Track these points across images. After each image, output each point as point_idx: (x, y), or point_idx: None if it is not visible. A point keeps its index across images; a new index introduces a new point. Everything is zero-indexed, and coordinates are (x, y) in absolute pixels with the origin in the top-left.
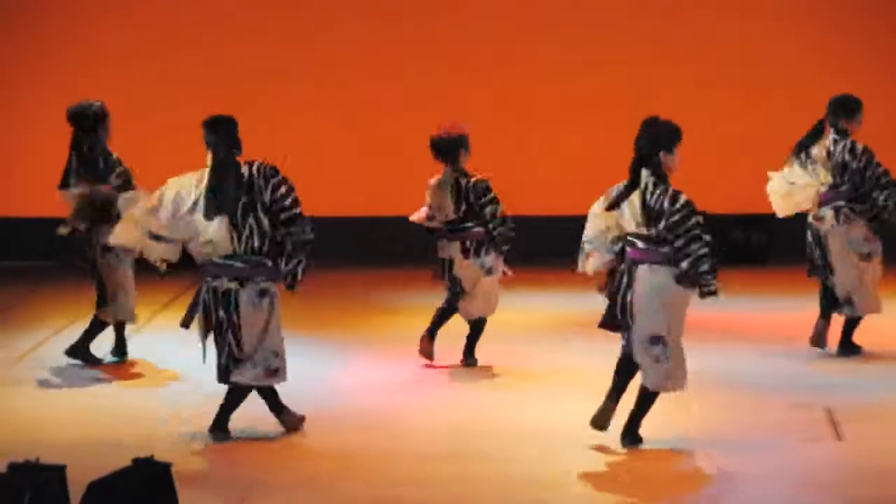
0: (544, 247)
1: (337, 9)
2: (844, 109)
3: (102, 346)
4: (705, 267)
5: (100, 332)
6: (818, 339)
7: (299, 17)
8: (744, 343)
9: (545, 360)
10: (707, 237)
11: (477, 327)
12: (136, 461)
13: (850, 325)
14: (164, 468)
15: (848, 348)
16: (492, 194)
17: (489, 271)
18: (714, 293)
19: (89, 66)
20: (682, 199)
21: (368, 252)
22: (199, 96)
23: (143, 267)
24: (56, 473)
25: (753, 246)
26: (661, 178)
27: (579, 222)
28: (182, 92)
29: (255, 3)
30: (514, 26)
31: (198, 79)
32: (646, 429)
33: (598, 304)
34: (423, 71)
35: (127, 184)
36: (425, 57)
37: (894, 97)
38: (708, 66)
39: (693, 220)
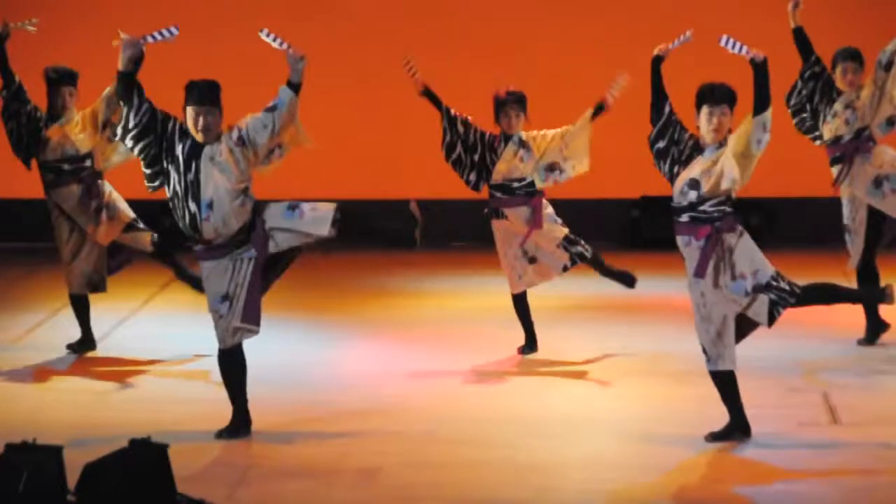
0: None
1: None
2: None
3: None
4: None
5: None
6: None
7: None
8: None
9: (549, 345)
10: None
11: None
12: (133, 442)
13: None
14: (161, 450)
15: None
16: None
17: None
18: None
19: (90, 51)
20: None
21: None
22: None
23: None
24: (53, 454)
25: (752, 229)
26: None
27: (588, 205)
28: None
29: None
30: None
31: (200, 63)
32: (644, 416)
33: (605, 288)
34: (425, 55)
35: None
36: (430, 41)
37: None
38: (714, 48)
39: None
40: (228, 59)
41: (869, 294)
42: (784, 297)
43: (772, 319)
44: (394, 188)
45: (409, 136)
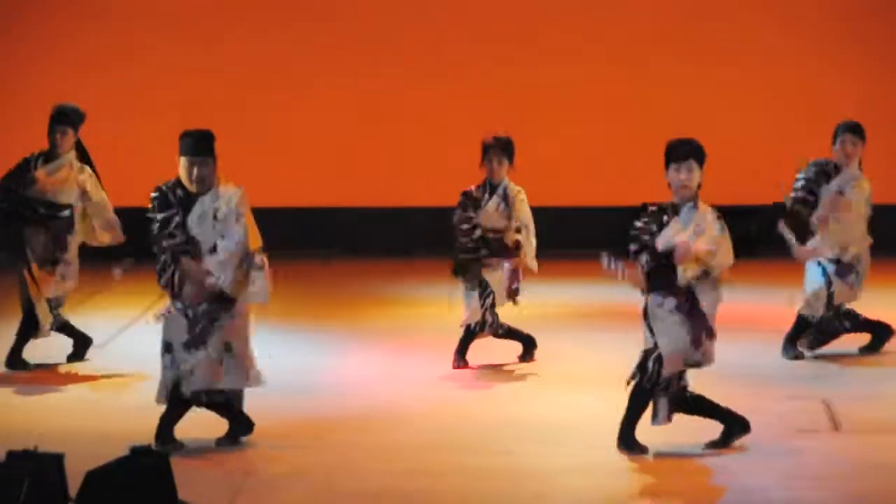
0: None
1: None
2: None
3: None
4: None
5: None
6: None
7: (293, 17)
8: (741, 335)
9: (545, 352)
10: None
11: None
12: (134, 450)
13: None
14: (162, 457)
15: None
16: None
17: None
18: None
19: (72, 70)
20: None
21: (363, 243)
22: (181, 101)
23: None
24: (54, 462)
25: (749, 237)
26: None
27: (585, 213)
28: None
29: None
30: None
31: (201, 65)
32: (640, 422)
33: (597, 295)
34: (421, 67)
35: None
36: (424, 53)
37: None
38: (707, 63)
39: None
40: (229, 61)
41: (730, 430)
42: (677, 400)
43: (671, 415)
44: (392, 196)
45: (409, 142)
